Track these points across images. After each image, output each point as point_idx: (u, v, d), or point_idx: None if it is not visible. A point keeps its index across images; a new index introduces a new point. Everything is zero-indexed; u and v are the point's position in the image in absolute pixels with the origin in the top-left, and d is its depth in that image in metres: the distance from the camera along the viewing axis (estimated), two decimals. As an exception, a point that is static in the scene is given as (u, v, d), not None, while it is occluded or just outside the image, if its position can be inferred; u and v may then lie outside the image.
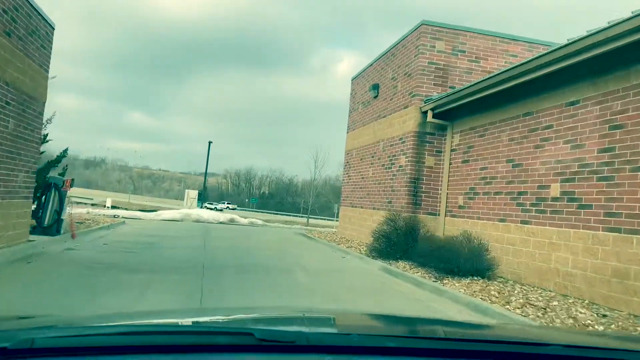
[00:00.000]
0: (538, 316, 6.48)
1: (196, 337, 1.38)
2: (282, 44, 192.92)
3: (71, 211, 14.92)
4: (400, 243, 11.56)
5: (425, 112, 12.72)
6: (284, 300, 6.98)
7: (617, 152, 7.28)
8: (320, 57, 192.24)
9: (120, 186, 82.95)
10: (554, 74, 8.43)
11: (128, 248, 11.97)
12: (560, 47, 7.98)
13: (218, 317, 2.05)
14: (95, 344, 1.27)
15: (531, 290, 8.16)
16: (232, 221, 33.01)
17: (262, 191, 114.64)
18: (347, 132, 18.73)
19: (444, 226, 12.27)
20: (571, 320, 6.28)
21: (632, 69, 7.15)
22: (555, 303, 7.16)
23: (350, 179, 17.80)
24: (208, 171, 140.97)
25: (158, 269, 8.93)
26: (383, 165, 14.67)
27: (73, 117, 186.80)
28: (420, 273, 9.74)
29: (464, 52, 13.09)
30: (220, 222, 31.99)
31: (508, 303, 7.20)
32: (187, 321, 1.84)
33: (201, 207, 36.34)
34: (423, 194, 12.81)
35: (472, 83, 11.02)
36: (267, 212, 79.27)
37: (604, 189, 7.43)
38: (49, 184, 12.41)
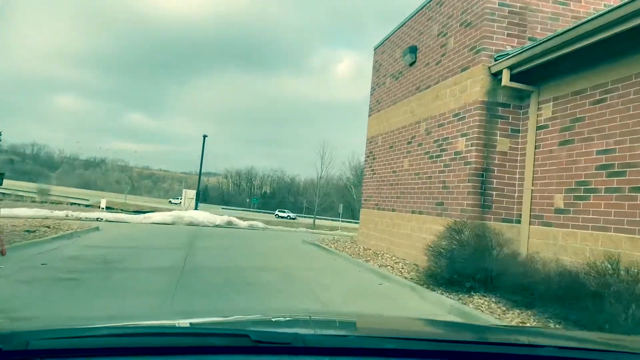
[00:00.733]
0: None
1: (192, 338, 1.37)
2: (282, 44, 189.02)
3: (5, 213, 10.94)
4: (469, 266, 7.49)
5: (496, 74, 8.64)
6: None
7: None
8: (321, 57, 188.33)
9: (118, 187, 79.09)
10: None
11: (71, 270, 8.07)
12: None
13: (214, 319, 2.00)
14: (90, 345, 1.24)
15: None
16: (229, 224, 28.92)
17: (263, 191, 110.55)
18: (369, 116, 14.62)
19: (528, 239, 8.19)
20: None
21: None
22: None
23: (374, 174, 13.70)
24: (209, 171, 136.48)
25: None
26: (427, 153, 10.58)
27: (73, 118, 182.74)
28: (530, 321, 5.71)
29: (548, -10, 9.01)
30: (217, 225, 27.91)
31: None
32: (183, 323, 1.80)
33: (196, 208, 32.17)
34: (494, 192, 8.72)
35: (586, 20, 6.94)
36: (269, 213, 75.15)
37: None
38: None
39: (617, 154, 6.67)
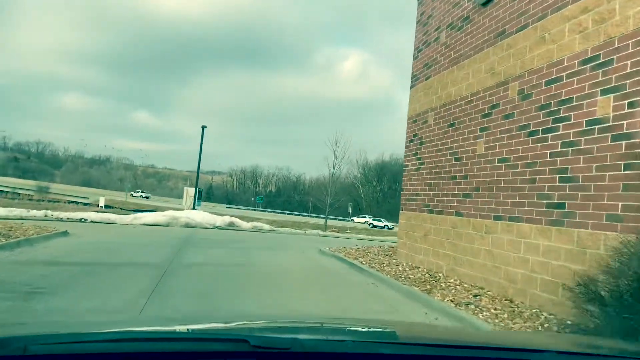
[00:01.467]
0: None
1: (191, 343, 1.36)
2: (285, 42, 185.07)
3: None
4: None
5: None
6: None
7: None
8: (325, 55, 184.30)
9: (122, 185, 75.58)
10: None
11: None
12: None
13: (213, 324, 1.95)
14: (89, 350, 1.22)
15: None
16: (231, 225, 25.17)
17: (268, 190, 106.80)
18: (413, 87, 10.76)
19: None
20: None
21: None
22: None
23: (422, 164, 9.86)
24: (214, 170, 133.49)
25: None
26: (524, 127, 6.74)
27: (79, 117, 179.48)
28: None
29: None
30: (217, 227, 24.15)
31: None
32: (182, 328, 1.74)
33: (194, 208, 28.42)
34: (678, 186, 4.89)
35: None
36: (274, 212, 71.38)
37: None
38: None
39: None
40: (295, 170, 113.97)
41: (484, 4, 7.94)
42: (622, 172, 5.05)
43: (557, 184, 5.96)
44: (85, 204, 56.38)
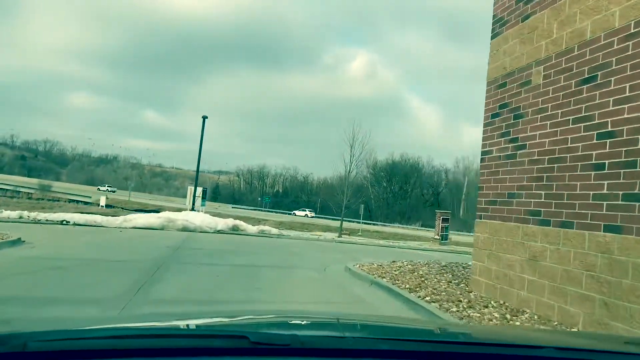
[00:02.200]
0: None
1: (190, 340, 1.33)
2: (295, 42, 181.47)
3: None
4: None
5: None
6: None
7: None
8: (334, 55, 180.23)
9: (127, 184, 72.37)
10: None
11: None
12: None
13: (212, 320, 1.91)
14: (89, 347, 1.18)
15: None
16: (235, 229, 21.69)
17: (275, 190, 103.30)
18: (497, 36, 7.14)
19: None
20: None
21: None
22: None
23: (522, 149, 6.26)
24: (220, 169, 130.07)
25: None
26: None
27: (87, 116, 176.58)
28: None
29: None
30: (218, 231, 20.66)
31: None
32: (181, 324, 1.69)
33: (193, 209, 24.95)
34: None
35: None
36: (281, 213, 67.90)
37: None
38: None
39: None
40: (303, 170, 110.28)
41: None
42: None
43: None
44: (86, 203, 53.25)
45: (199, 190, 40.04)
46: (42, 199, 52.79)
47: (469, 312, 5.70)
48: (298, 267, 10.11)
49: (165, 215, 20.38)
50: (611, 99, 4.85)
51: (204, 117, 22.86)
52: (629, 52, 4.71)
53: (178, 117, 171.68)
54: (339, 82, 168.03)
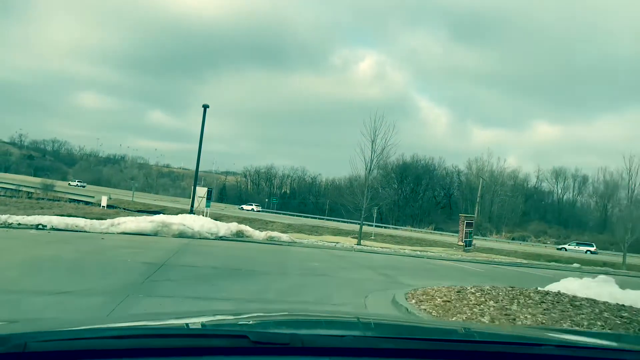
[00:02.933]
0: None
1: (190, 339, 1.30)
2: (303, 43, 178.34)
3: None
4: None
5: None
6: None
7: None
8: (342, 57, 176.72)
9: (131, 183, 69.63)
10: None
11: None
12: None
13: (212, 320, 1.83)
14: (89, 347, 1.16)
15: None
16: (239, 235, 18.55)
17: (282, 191, 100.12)
18: None
19: None
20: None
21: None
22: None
23: None
24: (227, 170, 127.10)
25: None
26: None
27: (95, 116, 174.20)
28: None
29: None
30: (220, 238, 17.52)
31: None
32: (181, 323, 1.66)
33: (192, 211, 21.87)
34: None
35: None
36: (289, 214, 64.73)
37: None
38: None
39: None
40: (311, 171, 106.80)
41: None
42: None
43: None
44: (87, 203, 50.39)
45: (204, 190, 36.70)
46: (43, 199, 50.05)
47: None
48: (327, 299, 6.93)
49: (159, 219, 17.27)
50: None
51: (205, 106, 19.76)
52: None
53: (186, 118, 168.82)
54: (347, 83, 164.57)
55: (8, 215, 16.36)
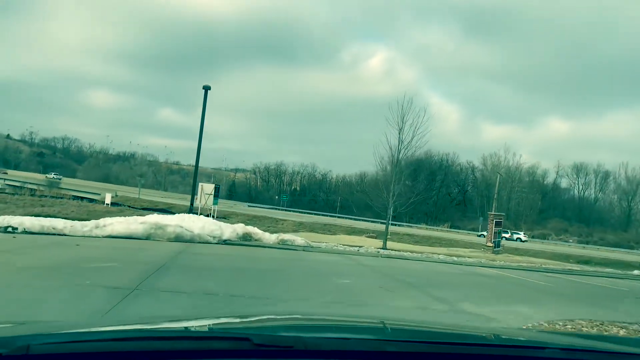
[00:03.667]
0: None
1: (192, 342, 1.29)
2: (312, 39, 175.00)
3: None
4: None
5: None
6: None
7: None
8: (352, 53, 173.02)
9: (138, 180, 67.14)
10: None
11: None
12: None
13: (215, 322, 1.76)
14: (91, 349, 1.14)
15: None
16: (246, 239, 15.72)
17: (292, 188, 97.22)
18: None
19: None
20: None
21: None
22: None
23: None
24: (236, 167, 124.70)
25: None
26: None
27: (105, 113, 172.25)
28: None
29: None
30: (224, 242, 14.66)
31: None
32: (185, 326, 1.65)
33: (191, 210, 19.02)
34: None
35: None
36: (299, 212, 61.84)
37: None
38: None
39: None
40: (322, 168, 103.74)
41: None
42: None
43: None
44: (91, 200, 47.83)
45: (211, 187, 33.66)
46: (45, 196, 47.59)
47: None
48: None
49: (152, 220, 14.44)
50: None
51: (206, 88, 16.85)
52: None
53: (197, 116, 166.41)
54: (358, 80, 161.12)
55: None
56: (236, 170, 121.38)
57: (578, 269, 19.71)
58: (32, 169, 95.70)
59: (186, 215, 15.48)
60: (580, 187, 71.70)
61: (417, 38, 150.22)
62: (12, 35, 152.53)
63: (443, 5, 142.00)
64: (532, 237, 55.83)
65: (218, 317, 2.13)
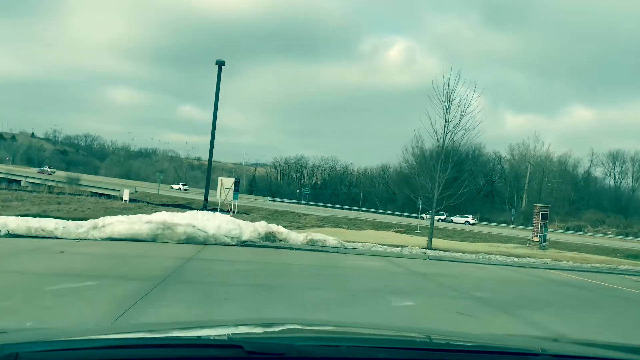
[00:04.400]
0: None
1: (184, 349, 1.22)
2: (330, 32, 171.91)
3: None
4: None
5: None
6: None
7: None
8: (371, 44, 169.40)
9: (157, 175, 65.65)
10: None
11: None
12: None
13: (207, 330, 1.70)
14: (81, 358, 1.11)
15: None
16: (270, 239, 13.33)
17: (313, 181, 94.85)
18: None
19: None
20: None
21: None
22: None
23: None
24: (257, 162, 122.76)
25: None
26: None
27: (128, 111, 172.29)
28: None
29: None
30: (244, 244, 12.22)
31: None
32: (176, 334, 1.58)
33: (205, 207, 16.58)
34: None
35: None
36: (321, 206, 59.45)
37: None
38: None
39: None
40: (342, 161, 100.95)
41: None
42: None
43: None
44: (109, 197, 46.24)
45: (230, 181, 31.22)
46: (63, 193, 46.22)
47: None
48: None
49: (158, 218, 12.18)
50: None
51: (219, 63, 14.46)
52: None
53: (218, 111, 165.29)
54: (378, 71, 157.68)
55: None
56: (256, 164, 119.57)
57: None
58: (55, 166, 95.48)
59: (199, 212, 13.19)
60: (617, 176, 67.53)
61: (437, 27, 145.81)
62: (34, 36, 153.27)
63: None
64: (567, 229, 52.39)
65: (210, 325, 2.06)
